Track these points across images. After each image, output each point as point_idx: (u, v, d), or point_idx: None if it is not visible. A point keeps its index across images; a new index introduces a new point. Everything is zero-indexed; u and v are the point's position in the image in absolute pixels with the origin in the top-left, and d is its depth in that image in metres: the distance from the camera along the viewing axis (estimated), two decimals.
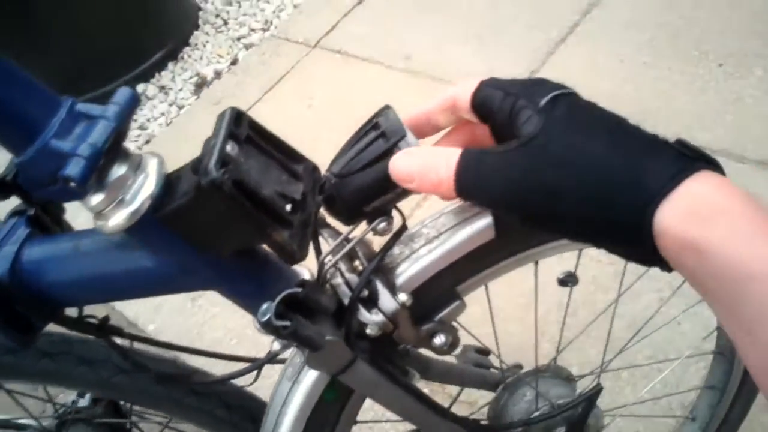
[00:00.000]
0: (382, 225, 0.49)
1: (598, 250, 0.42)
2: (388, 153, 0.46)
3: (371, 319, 0.50)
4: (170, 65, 2.40)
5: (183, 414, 0.71)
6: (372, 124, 0.48)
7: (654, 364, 1.16)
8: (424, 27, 2.09)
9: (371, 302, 0.51)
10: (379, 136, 0.47)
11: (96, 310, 0.54)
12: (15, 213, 0.53)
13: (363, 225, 0.50)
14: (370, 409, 0.64)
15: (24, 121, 0.38)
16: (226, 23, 2.53)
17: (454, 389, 1.11)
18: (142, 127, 2.25)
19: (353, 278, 0.51)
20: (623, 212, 0.36)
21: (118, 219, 0.42)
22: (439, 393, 1.21)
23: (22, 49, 2.16)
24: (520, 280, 0.62)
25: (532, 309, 0.74)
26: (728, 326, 0.35)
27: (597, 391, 0.64)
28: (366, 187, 0.47)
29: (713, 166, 0.37)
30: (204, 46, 2.46)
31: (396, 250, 0.53)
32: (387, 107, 0.48)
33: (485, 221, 0.50)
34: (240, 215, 0.41)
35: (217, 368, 0.61)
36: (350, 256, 0.53)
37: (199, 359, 0.63)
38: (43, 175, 0.39)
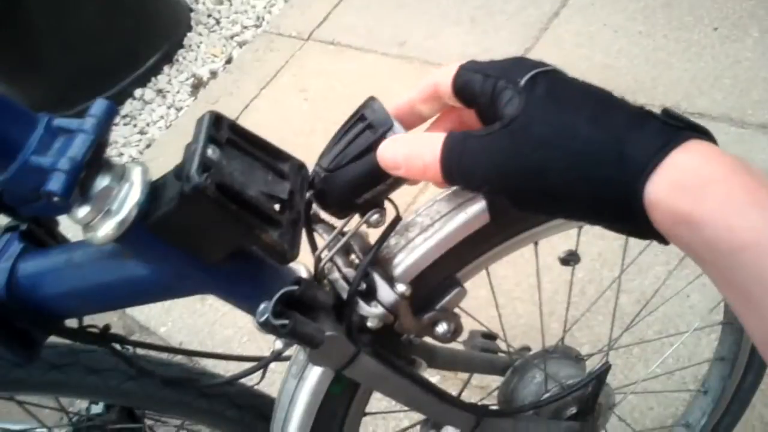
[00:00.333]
0: (375, 217, 0.48)
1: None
2: (376, 144, 0.45)
3: (371, 312, 0.50)
4: (166, 68, 2.40)
5: (194, 416, 0.72)
6: (358, 116, 0.47)
7: (664, 339, 1.15)
8: (416, 12, 2.07)
9: (370, 295, 0.50)
10: (366, 127, 0.46)
11: (108, 317, 0.54)
12: (8, 229, 0.54)
13: (356, 218, 0.49)
14: (382, 399, 0.64)
15: (2, 140, 0.38)
16: (218, 22, 2.52)
17: (466, 374, 1.11)
18: (142, 132, 2.25)
19: (350, 272, 0.51)
20: (611, 189, 0.36)
21: (106, 230, 0.42)
22: (451, 378, 1.21)
23: (15, 60, 2.16)
24: (526, 261, 0.62)
25: (541, 289, 0.73)
26: (727, 295, 0.35)
27: (605, 369, 0.64)
28: (356, 179, 0.46)
29: (702, 134, 0.36)
30: (198, 46, 2.45)
31: (392, 240, 0.53)
32: (372, 98, 0.48)
33: (479, 206, 0.50)
34: (227, 218, 0.40)
35: (229, 368, 0.61)
36: (346, 251, 0.52)
37: (209, 360, 0.63)
38: (26, 191, 0.40)
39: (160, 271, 0.46)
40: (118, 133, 2.25)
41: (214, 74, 2.31)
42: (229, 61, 2.33)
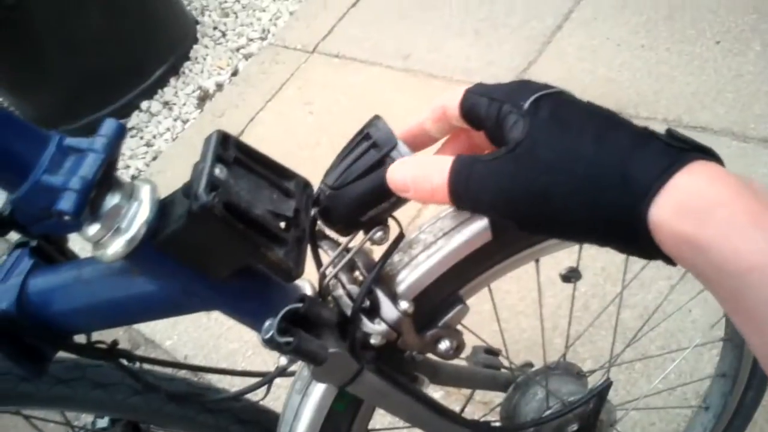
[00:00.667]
0: (379, 234, 0.49)
1: None
2: (381, 163, 0.46)
3: (374, 329, 0.51)
4: (172, 80, 2.42)
5: (199, 431, 0.72)
6: (363, 135, 0.48)
7: (666, 354, 1.15)
8: (420, 25, 2.09)
9: (373, 312, 0.51)
10: (371, 146, 0.47)
11: (114, 331, 0.55)
12: (18, 245, 0.54)
13: (360, 235, 0.50)
14: (385, 415, 0.64)
15: (15, 160, 0.39)
16: (224, 35, 2.54)
17: (468, 390, 1.11)
18: (148, 144, 2.26)
19: (354, 289, 0.51)
20: (615, 212, 0.36)
21: (115, 247, 0.42)
22: (455, 394, 1.21)
23: (21, 72, 2.18)
24: (530, 276, 0.63)
25: (544, 303, 0.74)
26: (733, 316, 0.35)
27: (607, 386, 0.64)
28: (360, 197, 0.47)
29: (706, 154, 0.36)
30: (204, 59, 2.47)
31: (395, 257, 0.53)
32: (377, 117, 0.48)
33: (481, 224, 0.50)
34: (233, 237, 0.41)
35: (233, 383, 0.62)
36: (350, 267, 0.53)
37: (213, 374, 0.64)
38: (37, 210, 0.40)
39: (168, 287, 0.47)
40: (125, 145, 2.26)
41: (220, 86, 2.33)
42: (234, 73, 2.35)
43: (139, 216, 0.42)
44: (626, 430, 1.09)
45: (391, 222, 0.50)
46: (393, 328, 0.51)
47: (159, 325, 1.60)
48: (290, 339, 0.47)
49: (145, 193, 0.44)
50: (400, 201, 0.48)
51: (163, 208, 0.44)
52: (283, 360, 0.54)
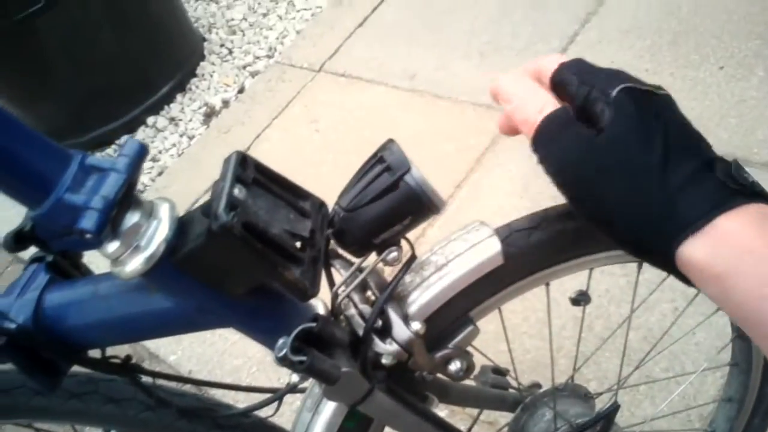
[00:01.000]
0: (392, 255, 0.50)
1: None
2: (394, 186, 0.47)
3: (386, 349, 0.51)
4: (179, 97, 2.44)
5: None
6: (377, 158, 0.49)
7: (672, 378, 1.15)
8: (426, 46, 2.11)
9: (385, 332, 0.52)
10: (384, 170, 0.48)
11: (116, 346, 0.55)
12: (34, 260, 0.55)
13: (373, 255, 0.51)
14: None
15: (38, 178, 0.40)
16: (231, 52, 2.56)
17: (474, 409, 1.11)
18: (154, 159, 2.27)
19: (366, 309, 0.52)
20: (652, 236, 0.39)
21: (134, 265, 0.43)
22: (459, 413, 1.21)
23: (30, 86, 2.20)
24: (534, 295, 0.63)
25: (548, 324, 0.74)
26: (758, 344, 0.37)
27: (615, 408, 0.64)
28: (374, 220, 0.48)
29: (757, 197, 0.38)
30: (211, 75, 2.49)
31: (407, 278, 0.54)
32: (390, 141, 0.49)
33: (493, 249, 0.51)
34: (251, 256, 0.42)
35: (238, 398, 0.62)
36: (362, 287, 0.54)
37: (218, 390, 0.64)
38: (58, 227, 0.41)
39: (184, 304, 0.48)
40: None
41: (226, 103, 2.34)
42: (241, 90, 2.37)
43: (158, 234, 0.43)
44: None
45: (403, 243, 0.51)
46: (404, 349, 0.51)
47: (163, 339, 1.59)
48: (303, 358, 0.47)
49: (164, 212, 0.44)
50: (413, 223, 0.49)
51: (181, 226, 0.45)
52: (295, 377, 0.54)
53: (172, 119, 2.38)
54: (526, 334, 1.30)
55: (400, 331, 0.51)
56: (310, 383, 0.60)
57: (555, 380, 0.71)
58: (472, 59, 1.99)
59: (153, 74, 2.40)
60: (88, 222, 0.40)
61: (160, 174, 2.21)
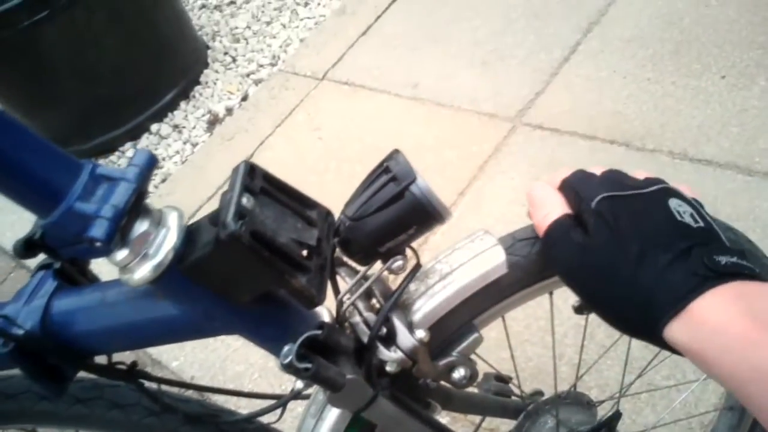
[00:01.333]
0: (397, 264, 0.50)
1: None
2: (399, 196, 0.47)
3: (390, 357, 0.51)
4: (182, 104, 2.45)
5: None
6: (383, 168, 0.49)
7: (673, 386, 1.15)
8: (429, 55, 2.12)
9: (390, 339, 0.52)
10: (390, 180, 0.48)
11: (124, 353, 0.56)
12: (42, 267, 0.56)
13: (378, 263, 0.51)
14: None
15: (49, 187, 0.40)
16: (234, 60, 2.57)
17: (476, 416, 1.11)
18: (157, 166, 2.28)
19: (371, 316, 0.52)
20: (640, 324, 0.44)
21: (143, 272, 0.44)
22: (461, 420, 1.21)
23: (34, 93, 2.21)
24: (536, 303, 0.64)
25: (550, 332, 0.74)
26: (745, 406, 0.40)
27: (617, 417, 0.65)
28: (379, 229, 0.48)
29: (733, 276, 0.41)
30: (214, 83, 2.50)
31: (411, 286, 0.55)
32: (396, 151, 0.50)
33: (498, 258, 0.52)
34: (259, 264, 0.42)
35: (240, 404, 0.62)
36: (367, 295, 0.54)
37: (220, 396, 0.64)
38: (68, 235, 0.41)
39: (191, 312, 0.48)
40: None
41: (230, 111, 2.35)
42: (245, 98, 2.38)
43: (166, 242, 0.44)
44: None
45: (408, 252, 0.51)
46: (409, 356, 0.52)
47: (166, 345, 1.60)
48: (309, 365, 0.48)
49: (172, 220, 0.45)
50: (418, 233, 0.49)
51: (189, 234, 0.45)
52: (299, 383, 0.55)
53: (175, 126, 2.39)
54: (529, 342, 1.30)
55: (405, 338, 0.51)
56: (314, 390, 0.60)
57: (557, 388, 0.72)
58: (474, 68, 2.00)
59: (157, 82, 2.41)
60: (98, 231, 0.40)
61: (163, 181, 2.22)
